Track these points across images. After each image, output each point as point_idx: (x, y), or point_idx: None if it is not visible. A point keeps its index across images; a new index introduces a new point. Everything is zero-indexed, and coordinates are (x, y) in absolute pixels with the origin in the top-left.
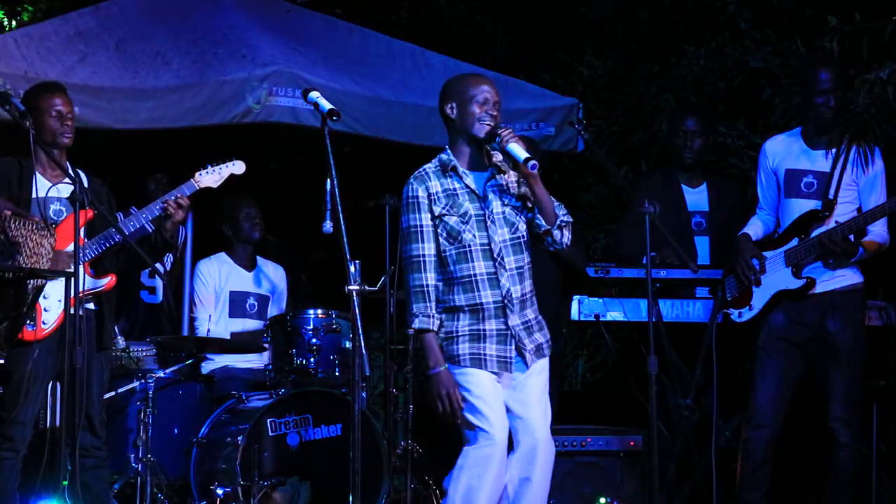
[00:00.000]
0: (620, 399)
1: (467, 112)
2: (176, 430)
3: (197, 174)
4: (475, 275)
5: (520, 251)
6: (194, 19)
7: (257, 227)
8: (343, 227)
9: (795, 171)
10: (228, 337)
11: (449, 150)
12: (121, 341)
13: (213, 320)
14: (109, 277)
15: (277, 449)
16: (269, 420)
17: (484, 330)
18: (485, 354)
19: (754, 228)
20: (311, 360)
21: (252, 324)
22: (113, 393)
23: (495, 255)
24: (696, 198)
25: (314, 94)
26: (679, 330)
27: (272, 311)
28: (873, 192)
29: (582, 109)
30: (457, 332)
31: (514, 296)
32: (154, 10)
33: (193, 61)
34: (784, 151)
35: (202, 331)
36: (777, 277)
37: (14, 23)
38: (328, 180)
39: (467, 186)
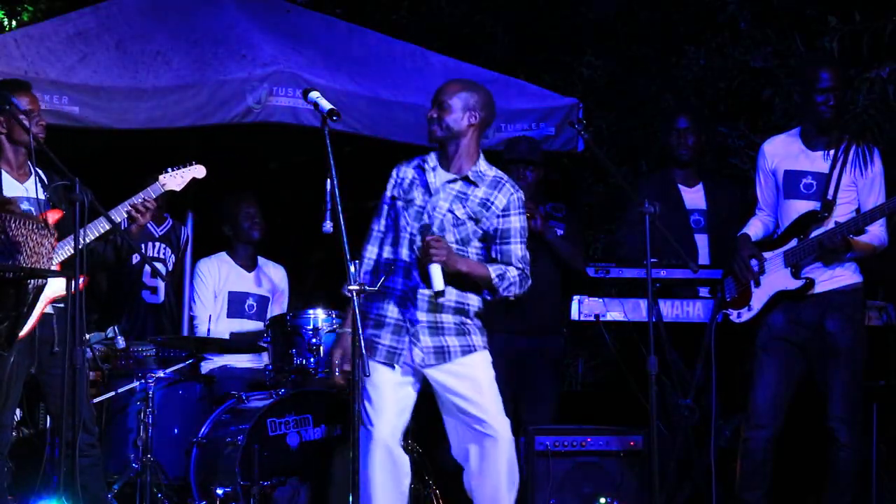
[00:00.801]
0: (620, 399)
1: None
2: (176, 430)
3: (161, 176)
4: (399, 260)
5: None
6: (194, 19)
7: (257, 226)
8: (343, 227)
9: (794, 172)
10: (227, 337)
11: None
12: (121, 341)
13: (213, 320)
14: (83, 277)
15: (277, 449)
16: (269, 420)
17: (385, 316)
18: (378, 343)
19: (754, 229)
20: (311, 360)
21: (250, 325)
22: (113, 393)
23: (414, 247)
24: (694, 196)
25: (314, 94)
26: (679, 330)
27: (273, 310)
28: (872, 192)
29: (582, 109)
30: (371, 314)
31: (419, 291)
32: (154, 10)
33: (193, 61)
34: (783, 152)
35: (201, 330)
36: (776, 278)
37: (14, 23)
38: (328, 180)
39: (426, 180)
